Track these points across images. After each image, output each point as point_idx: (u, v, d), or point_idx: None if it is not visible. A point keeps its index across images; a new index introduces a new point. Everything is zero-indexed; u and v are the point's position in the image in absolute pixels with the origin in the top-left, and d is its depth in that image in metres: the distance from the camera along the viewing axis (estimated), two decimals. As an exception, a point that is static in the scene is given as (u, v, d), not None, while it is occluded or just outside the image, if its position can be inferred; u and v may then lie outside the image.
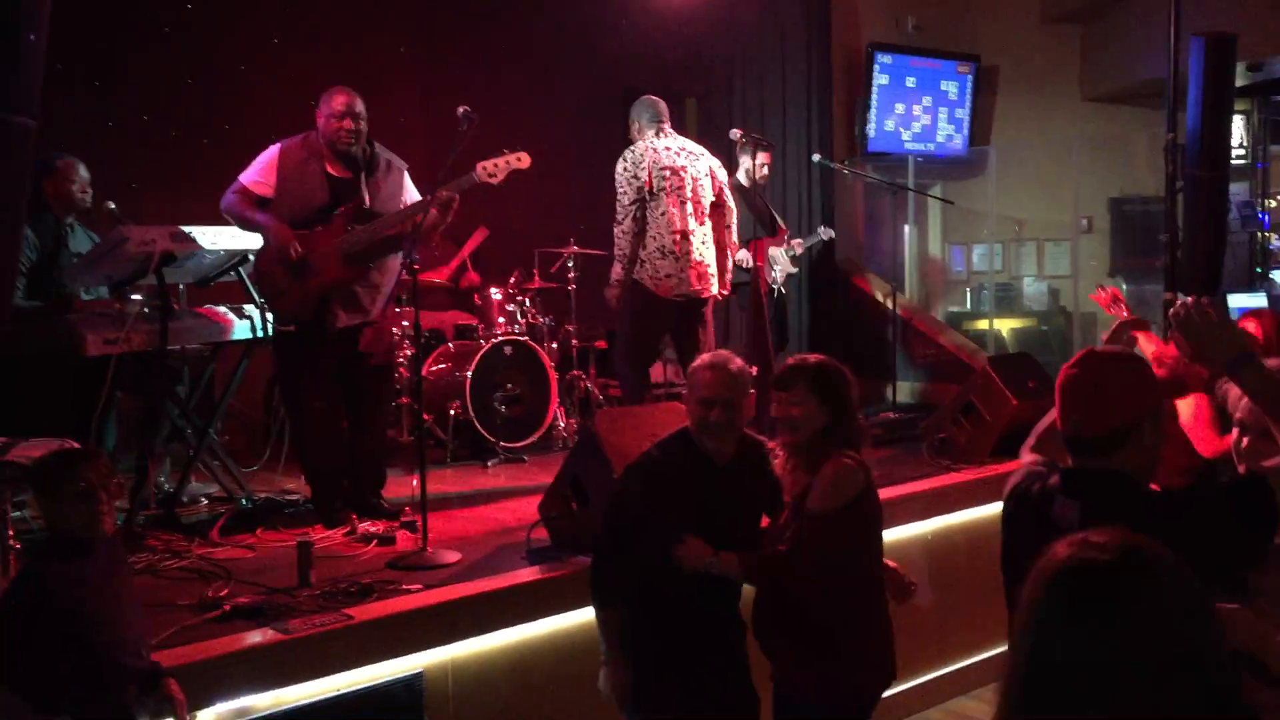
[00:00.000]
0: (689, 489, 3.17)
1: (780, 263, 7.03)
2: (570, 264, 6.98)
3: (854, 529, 2.98)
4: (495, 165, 4.59)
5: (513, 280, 6.89)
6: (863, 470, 3.00)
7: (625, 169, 5.52)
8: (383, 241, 4.71)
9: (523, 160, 4.64)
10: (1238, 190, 9.33)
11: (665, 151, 5.55)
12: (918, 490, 5.20)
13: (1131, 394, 2.19)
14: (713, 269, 5.63)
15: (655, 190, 5.46)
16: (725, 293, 5.82)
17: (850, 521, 2.95)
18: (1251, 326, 4.82)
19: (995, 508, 5.43)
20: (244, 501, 5.00)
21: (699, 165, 5.64)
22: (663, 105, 5.73)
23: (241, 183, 4.75)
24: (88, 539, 2.78)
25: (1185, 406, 4.30)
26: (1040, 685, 1.35)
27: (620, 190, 5.51)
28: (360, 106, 4.73)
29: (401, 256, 4.63)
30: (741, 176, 6.86)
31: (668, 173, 5.51)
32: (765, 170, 7.00)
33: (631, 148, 5.60)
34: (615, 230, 5.56)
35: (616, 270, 5.58)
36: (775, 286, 6.92)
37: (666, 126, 5.68)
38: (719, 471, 3.20)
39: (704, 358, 3.28)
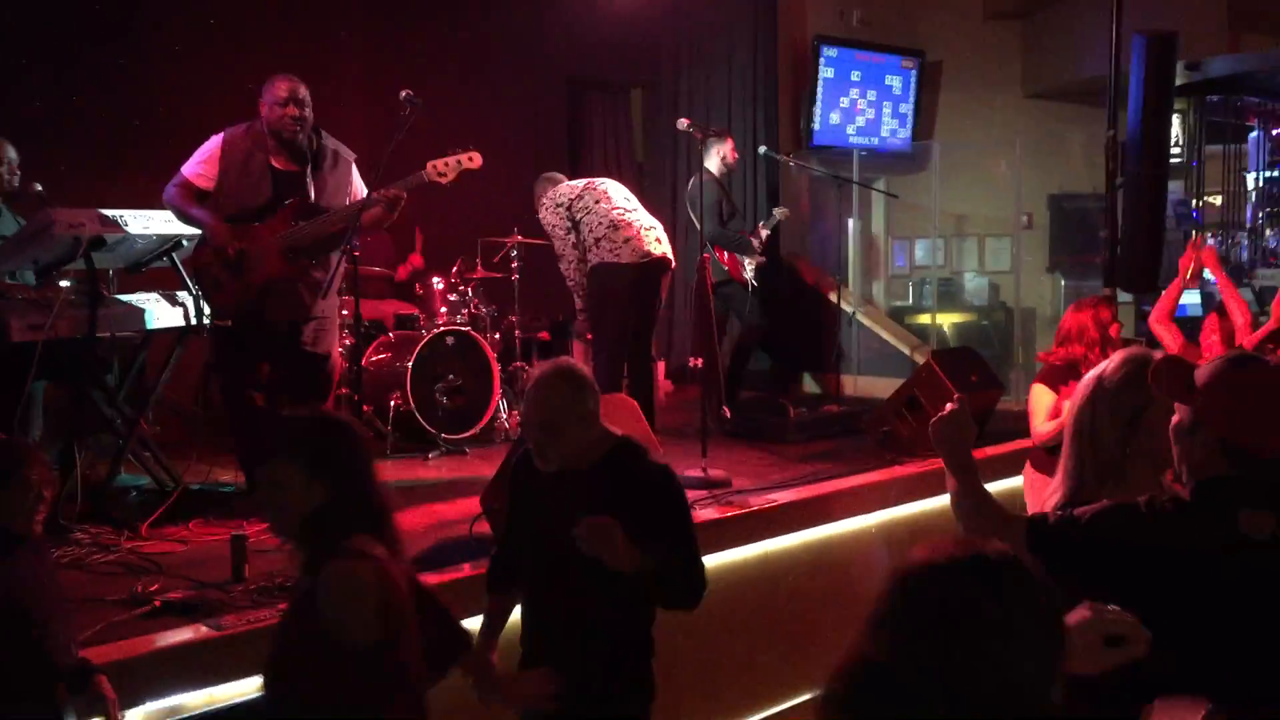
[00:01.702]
0: (527, 495, 2.96)
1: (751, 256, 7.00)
2: (514, 254, 6.89)
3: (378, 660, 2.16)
4: (446, 164, 4.54)
5: (455, 269, 6.80)
6: (375, 572, 2.17)
7: (545, 205, 5.89)
8: (327, 238, 4.62)
9: (474, 160, 4.60)
10: (1173, 189, 9.46)
11: (567, 185, 5.95)
12: (863, 484, 5.20)
13: None
14: (662, 235, 5.81)
15: (579, 194, 5.78)
16: (674, 265, 5.98)
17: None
18: (1214, 337, 4.89)
19: (941, 500, 5.46)
20: (173, 492, 4.85)
21: (609, 182, 5.97)
22: (560, 174, 6.20)
23: (183, 174, 4.64)
24: (19, 534, 2.69)
25: (1039, 393, 4.32)
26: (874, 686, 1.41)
27: (551, 227, 5.83)
28: (304, 93, 4.62)
29: (340, 248, 4.54)
30: (713, 167, 6.87)
31: (579, 188, 5.86)
32: (733, 157, 7.03)
33: (542, 198, 5.95)
34: (561, 267, 5.84)
35: (578, 303, 5.86)
36: (749, 280, 6.90)
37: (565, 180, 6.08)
38: (563, 482, 2.83)
39: (537, 370, 2.97)
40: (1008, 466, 5.74)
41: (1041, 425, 4.28)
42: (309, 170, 4.67)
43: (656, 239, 5.75)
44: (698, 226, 6.42)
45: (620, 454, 2.89)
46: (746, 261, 6.91)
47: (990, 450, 5.81)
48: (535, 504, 2.93)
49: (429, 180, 4.52)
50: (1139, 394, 2.36)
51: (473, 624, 3.68)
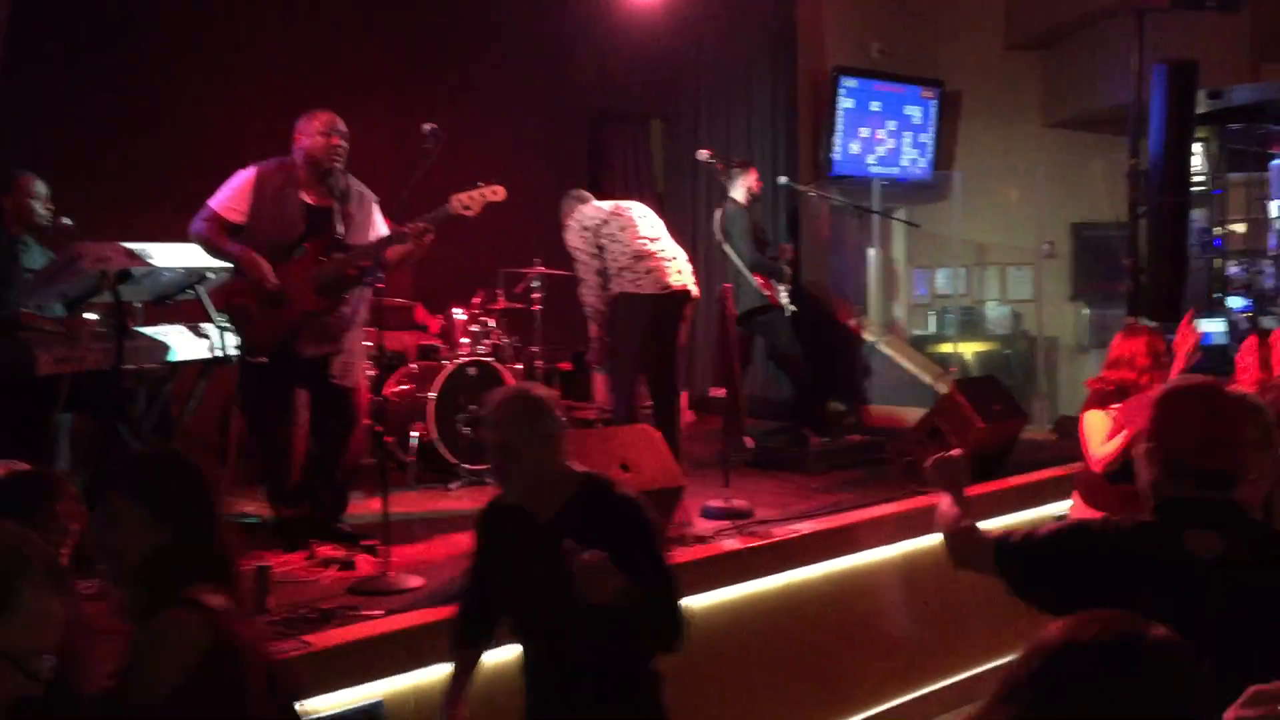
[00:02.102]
0: (499, 546, 2.88)
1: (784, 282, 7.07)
2: (535, 284, 6.92)
3: None
4: (470, 198, 4.54)
5: (477, 300, 6.83)
6: (207, 627, 1.98)
7: (570, 228, 5.79)
8: (355, 273, 4.65)
9: (498, 193, 4.59)
10: (1196, 217, 9.43)
11: (599, 204, 5.89)
12: (886, 514, 5.17)
13: (1250, 428, 2.20)
14: (685, 267, 5.77)
15: (605, 219, 5.70)
16: (698, 295, 5.93)
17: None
18: (1250, 359, 4.87)
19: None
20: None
21: (637, 207, 5.89)
22: (586, 192, 6.10)
23: (212, 208, 4.64)
24: None
25: (1093, 419, 4.28)
26: None
27: (575, 250, 5.73)
28: (343, 126, 4.69)
29: (368, 275, 4.56)
30: (740, 197, 6.92)
31: (609, 209, 5.79)
32: (757, 187, 7.05)
33: (567, 219, 5.89)
34: (581, 291, 5.76)
35: (593, 329, 5.78)
36: (785, 305, 6.97)
37: (594, 199, 6.00)
38: (535, 528, 2.75)
39: (497, 393, 2.90)
40: (1032, 496, 5.72)
41: (1100, 448, 4.11)
42: (338, 206, 4.71)
43: (678, 270, 5.72)
44: (729, 257, 6.46)
45: (589, 490, 2.79)
46: (781, 287, 6.93)
47: (1014, 480, 5.78)
48: (510, 554, 2.85)
49: (454, 214, 4.54)
50: None
51: (512, 651, 3.68)
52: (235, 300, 4.68)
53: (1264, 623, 2.05)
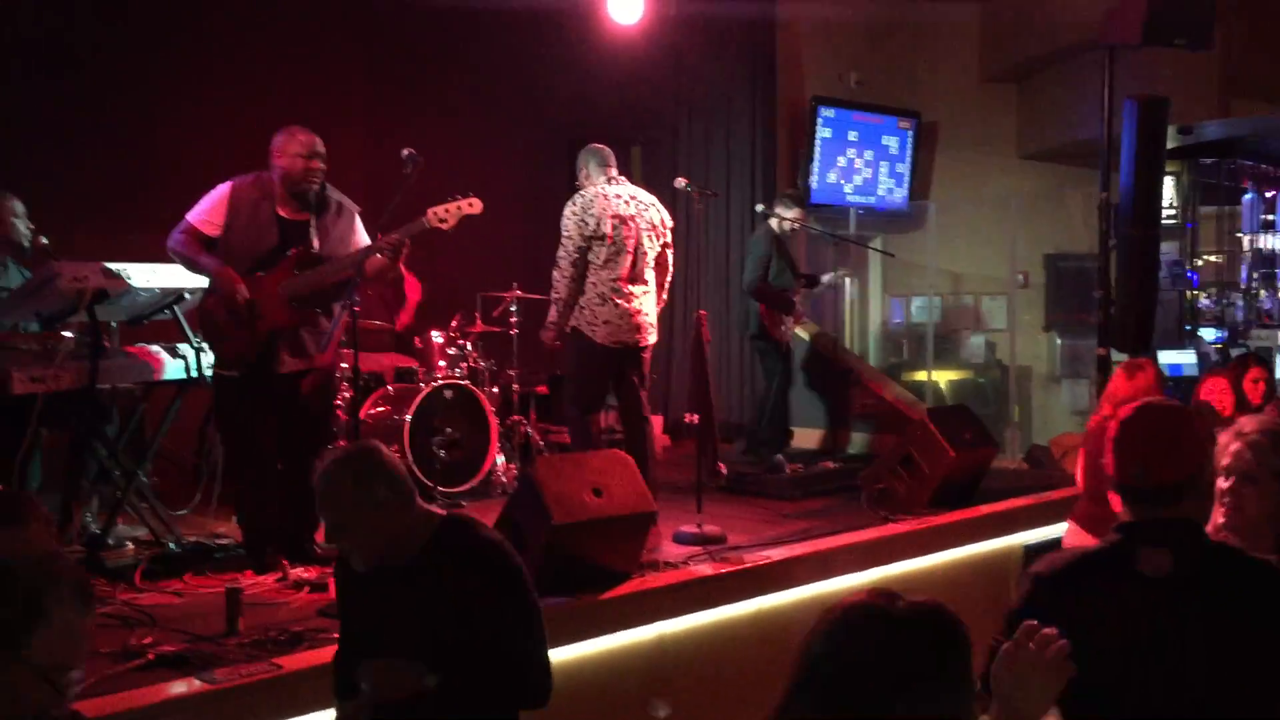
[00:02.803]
0: (353, 598, 2.76)
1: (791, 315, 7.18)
2: (513, 308, 6.94)
3: None
4: (446, 210, 4.52)
5: (454, 324, 6.84)
6: None
7: (574, 212, 5.43)
8: (331, 287, 4.65)
9: (474, 205, 4.58)
10: (1168, 250, 9.56)
11: (615, 199, 5.47)
12: (857, 541, 5.21)
13: (1197, 443, 2.26)
14: (651, 319, 5.60)
15: (602, 234, 5.39)
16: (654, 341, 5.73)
17: None
18: (1218, 387, 4.98)
19: (935, 558, 5.50)
20: (170, 545, 4.87)
21: (649, 215, 5.58)
22: (609, 152, 5.68)
23: (189, 221, 4.66)
24: None
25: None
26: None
27: (566, 234, 5.43)
28: (322, 147, 4.69)
29: (345, 296, 4.55)
30: (774, 224, 7.14)
31: (616, 221, 5.43)
32: (797, 221, 7.18)
33: (581, 192, 5.53)
34: (554, 274, 5.49)
35: (552, 313, 5.54)
36: (786, 338, 7.11)
37: (614, 173, 5.61)
38: (386, 579, 2.62)
39: (323, 460, 2.76)
40: (1003, 525, 5.77)
41: None
42: (313, 219, 4.72)
43: (637, 325, 5.47)
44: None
45: (445, 535, 2.66)
46: (788, 320, 7.00)
47: (984, 509, 5.83)
48: (364, 606, 2.74)
49: (430, 226, 4.51)
50: None
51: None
52: (208, 314, 4.68)
53: (1212, 640, 2.10)
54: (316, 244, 4.68)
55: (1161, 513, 2.20)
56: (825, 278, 7.32)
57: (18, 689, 1.71)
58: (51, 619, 1.70)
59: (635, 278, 5.50)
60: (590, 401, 5.66)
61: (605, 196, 5.45)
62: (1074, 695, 1.89)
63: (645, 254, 5.54)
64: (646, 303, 5.56)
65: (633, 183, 5.74)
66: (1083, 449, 4.78)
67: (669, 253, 5.73)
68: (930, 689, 1.42)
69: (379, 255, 4.52)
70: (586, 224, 5.38)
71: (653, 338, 5.64)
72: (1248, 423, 2.59)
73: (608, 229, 5.38)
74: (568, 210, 5.48)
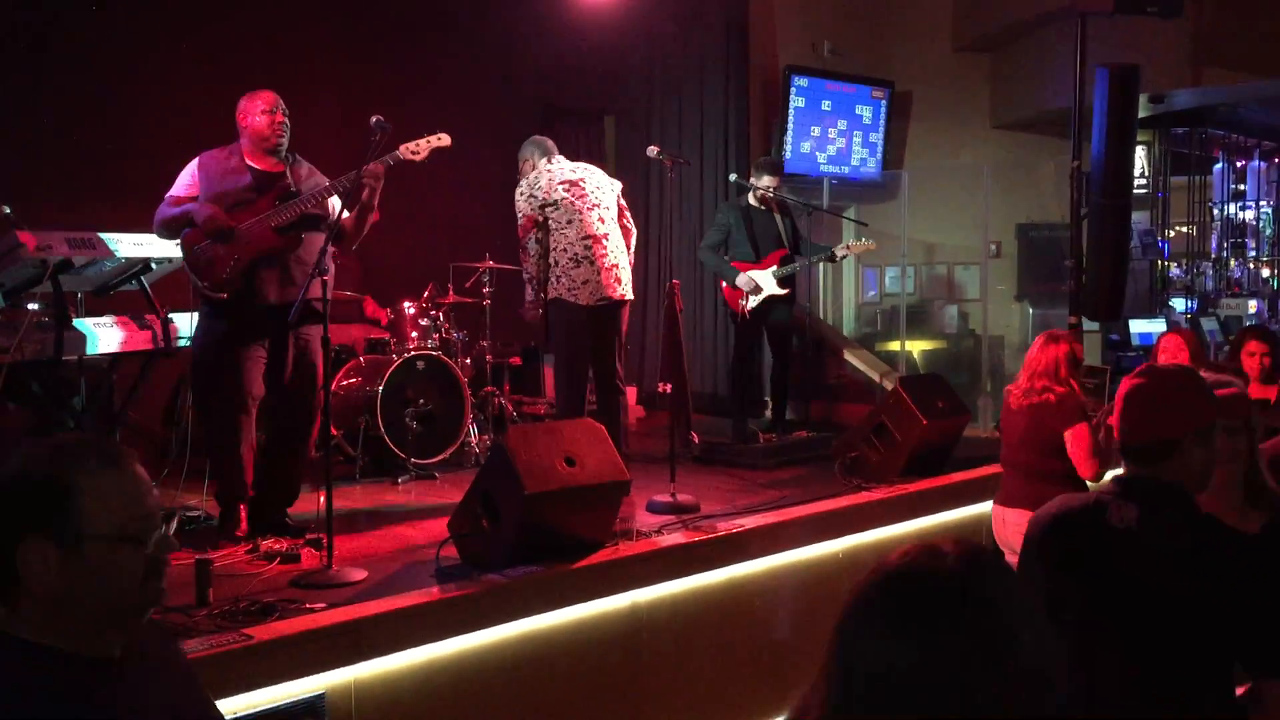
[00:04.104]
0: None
1: (765, 288, 6.90)
2: (486, 279, 6.91)
3: None
4: (418, 145, 4.63)
5: (427, 294, 6.80)
6: None
7: (522, 192, 5.67)
8: (311, 218, 4.64)
9: (443, 139, 4.69)
10: (1139, 219, 9.61)
11: (559, 170, 5.69)
12: (830, 509, 5.22)
13: (1179, 409, 2.33)
14: (625, 273, 5.71)
15: (555, 200, 5.55)
16: (632, 298, 5.84)
17: None
18: (1173, 344, 5.05)
19: (907, 526, 5.53)
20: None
21: (595, 178, 5.75)
22: (551, 142, 5.91)
23: (168, 196, 4.64)
24: None
25: (1072, 435, 4.48)
26: (864, 686, 1.29)
27: (520, 215, 5.65)
28: (282, 103, 4.70)
29: (316, 263, 4.46)
30: (751, 196, 7.02)
31: (565, 185, 5.61)
32: (769, 189, 6.99)
33: (525, 177, 5.75)
34: (520, 256, 5.73)
35: (528, 291, 5.73)
36: (744, 309, 6.91)
37: (556, 156, 5.81)
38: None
39: None
40: (975, 492, 5.80)
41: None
42: (287, 170, 4.71)
43: (616, 279, 5.62)
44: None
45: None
46: (750, 285, 6.86)
47: (957, 476, 5.86)
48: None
49: (404, 158, 4.60)
50: None
51: (453, 645, 3.69)
52: (190, 245, 4.55)
53: (1167, 594, 2.20)
54: (292, 186, 4.67)
55: (1145, 470, 2.32)
56: (839, 250, 7.18)
57: (102, 571, 1.70)
58: (84, 488, 1.68)
59: (602, 234, 5.62)
60: (580, 372, 5.71)
61: (549, 171, 5.68)
62: None
63: (605, 209, 5.68)
64: (620, 257, 5.69)
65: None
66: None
67: (627, 217, 5.87)
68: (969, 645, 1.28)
69: (355, 208, 4.55)
70: (535, 198, 5.58)
71: (629, 292, 5.74)
72: None
73: (559, 194, 5.58)
74: (516, 194, 5.69)
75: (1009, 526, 4.63)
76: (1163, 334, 5.30)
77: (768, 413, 7.28)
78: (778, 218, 7.06)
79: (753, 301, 6.88)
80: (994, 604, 1.30)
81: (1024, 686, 1.28)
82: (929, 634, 1.28)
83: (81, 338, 4.74)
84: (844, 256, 7.32)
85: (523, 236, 5.68)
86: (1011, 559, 2.38)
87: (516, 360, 7.60)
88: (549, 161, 5.75)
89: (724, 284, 7.07)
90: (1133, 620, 2.21)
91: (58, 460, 1.70)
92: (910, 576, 1.33)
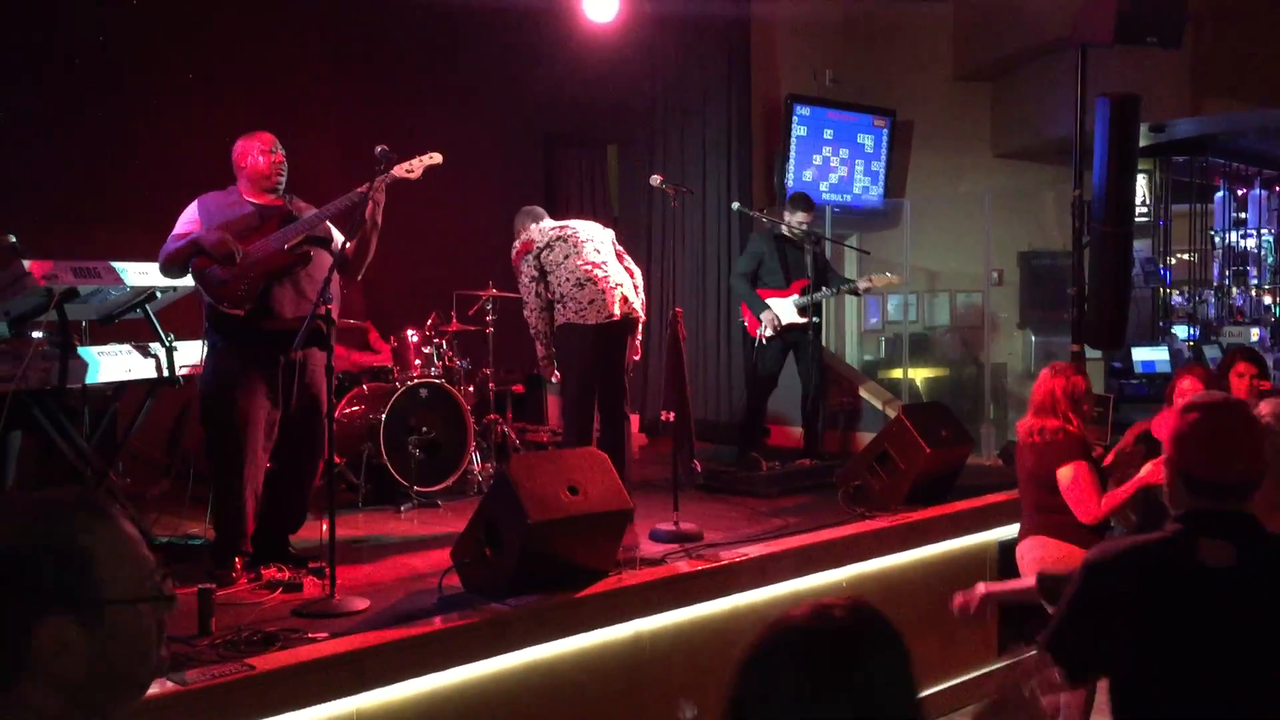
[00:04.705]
0: None
1: (785, 315, 7.04)
2: (489, 307, 6.93)
3: None
4: (411, 164, 4.63)
5: (430, 322, 6.82)
6: None
7: (516, 250, 5.88)
8: (316, 239, 4.66)
9: (434, 157, 4.71)
10: (1141, 247, 9.62)
11: (547, 224, 5.92)
12: (833, 538, 5.21)
13: (1262, 440, 2.31)
14: (630, 293, 5.83)
15: (548, 244, 5.76)
16: (644, 319, 6.01)
17: None
18: (1187, 384, 5.01)
19: (910, 555, 5.51)
20: (158, 540, 4.82)
21: (586, 227, 5.94)
22: (540, 208, 6.11)
23: (171, 235, 4.60)
24: None
25: (1066, 473, 4.37)
26: None
27: (519, 273, 5.83)
28: (278, 143, 4.72)
29: (320, 293, 4.46)
30: (783, 227, 7.17)
31: (555, 230, 5.84)
32: (796, 223, 7.17)
33: (518, 236, 5.94)
34: (525, 315, 5.84)
35: (539, 349, 5.85)
36: (761, 335, 7.08)
37: (545, 218, 6.01)
38: None
39: None
40: (978, 521, 5.79)
41: (1102, 498, 4.39)
42: (287, 203, 4.74)
43: (623, 298, 5.76)
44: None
45: None
46: (771, 320, 6.98)
47: (960, 505, 5.85)
48: None
49: (398, 176, 4.60)
50: None
51: (456, 675, 3.67)
52: (200, 270, 4.52)
53: (1275, 631, 2.14)
54: (294, 215, 4.69)
55: (1225, 506, 2.24)
56: (861, 283, 7.23)
57: (126, 638, 1.48)
58: (95, 550, 1.47)
59: (600, 261, 5.78)
60: (589, 398, 5.79)
61: (539, 229, 5.89)
62: (1129, 684, 1.90)
63: (599, 244, 5.85)
64: (622, 279, 5.83)
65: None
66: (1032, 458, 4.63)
67: (627, 259, 6.03)
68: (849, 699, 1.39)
69: (356, 234, 4.57)
70: (530, 253, 5.78)
71: (640, 313, 5.89)
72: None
73: (550, 236, 5.81)
74: (512, 255, 5.91)
75: (1024, 560, 4.60)
76: (1179, 373, 5.26)
77: (769, 441, 7.31)
78: (805, 248, 7.16)
79: (769, 331, 7.02)
80: (877, 667, 1.39)
81: None
82: (818, 692, 1.37)
83: (85, 365, 4.75)
84: (867, 290, 7.32)
85: (524, 294, 5.82)
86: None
87: (519, 388, 7.61)
88: (538, 222, 5.94)
89: (746, 309, 7.19)
90: (1241, 659, 2.15)
91: (57, 522, 1.49)
92: (803, 634, 1.42)
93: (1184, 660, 2.16)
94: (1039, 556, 4.43)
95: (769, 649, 1.42)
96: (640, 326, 5.95)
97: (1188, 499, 2.27)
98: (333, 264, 4.46)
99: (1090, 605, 2.26)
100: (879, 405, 8.33)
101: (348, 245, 4.61)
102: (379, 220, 4.65)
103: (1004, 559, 5.71)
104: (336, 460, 5.76)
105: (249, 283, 4.50)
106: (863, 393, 8.51)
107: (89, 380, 4.81)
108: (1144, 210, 10.14)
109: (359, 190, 4.53)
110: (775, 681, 1.39)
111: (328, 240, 4.74)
